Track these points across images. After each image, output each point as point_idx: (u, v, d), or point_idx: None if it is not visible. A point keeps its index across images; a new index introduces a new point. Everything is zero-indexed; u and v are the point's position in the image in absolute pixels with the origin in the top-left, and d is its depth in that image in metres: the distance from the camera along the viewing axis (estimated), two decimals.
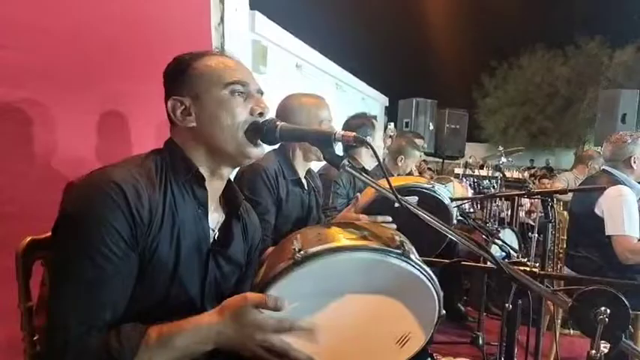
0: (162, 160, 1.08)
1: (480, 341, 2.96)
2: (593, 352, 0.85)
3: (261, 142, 1.11)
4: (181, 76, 1.10)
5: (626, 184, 2.59)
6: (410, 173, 3.75)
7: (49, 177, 1.51)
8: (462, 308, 3.69)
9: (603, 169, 2.79)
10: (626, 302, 0.83)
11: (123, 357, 0.88)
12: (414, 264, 0.95)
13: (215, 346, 0.93)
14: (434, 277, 0.98)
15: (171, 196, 1.04)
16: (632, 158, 2.65)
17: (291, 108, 1.88)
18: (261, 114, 1.10)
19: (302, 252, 0.91)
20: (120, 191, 0.94)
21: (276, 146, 1.91)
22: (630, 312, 0.84)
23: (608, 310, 0.83)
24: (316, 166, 2.14)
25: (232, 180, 1.23)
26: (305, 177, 1.96)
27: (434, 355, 2.84)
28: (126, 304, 0.96)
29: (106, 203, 0.93)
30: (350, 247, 0.94)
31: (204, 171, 1.10)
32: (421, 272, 0.96)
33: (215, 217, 1.15)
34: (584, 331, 0.87)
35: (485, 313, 3.30)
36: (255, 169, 1.78)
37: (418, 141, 3.81)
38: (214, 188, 1.14)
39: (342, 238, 0.98)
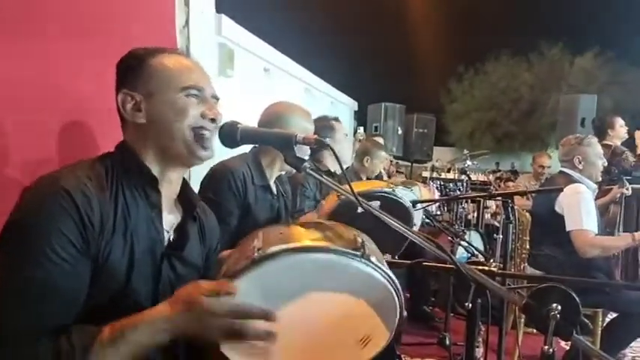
0: (113, 163, 1.06)
1: (447, 341, 3.00)
2: (546, 347, 0.88)
3: (209, 146, 1.10)
4: (135, 71, 1.09)
5: (582, 183, 2.70)
6: (379, 175, 3.80)
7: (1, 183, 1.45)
8: (429, 309, 3.74)
9: (560, 170, 2.90)
10: (576, 298, 0.87)
11: (74, 358, 0.85)
12: (374, 266, 0.95)
13: (171, 337, 0.90)
14: (394, 278, 0.99)
15: (122, 199, 1.03)
16: (576, 159, 2.77)
17: (279, 115, 1.89)
18: (213, 120, 1.10)
19: (260, 251, 0.90)
20: (68, 197, 0.92)
21: (248, 150, 1.92)
22: (580, 308, 0.88)
23: (559, 307, 0.86)
24: None
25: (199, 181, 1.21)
26: (274, 182, 1.96)
27: (402, 356, 2.88)
28: (78, 309, 0.94)
29: (54, 209, 0.91)
30: (309, 247, 0.94)
31: (156, 171, 1.09)
32: (381, 274, 0.96)
33: (170, 219, 1.14)
34: (538, 328, 0.89)
35: (452, 314, 3.35)
36: (223, 171, 1.78)
37: (378, 139, 3.87)
38: (169, 189, 1.13)
39: (303, 238, 0.98)
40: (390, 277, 0.98)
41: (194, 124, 1.08)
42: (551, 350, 0.88)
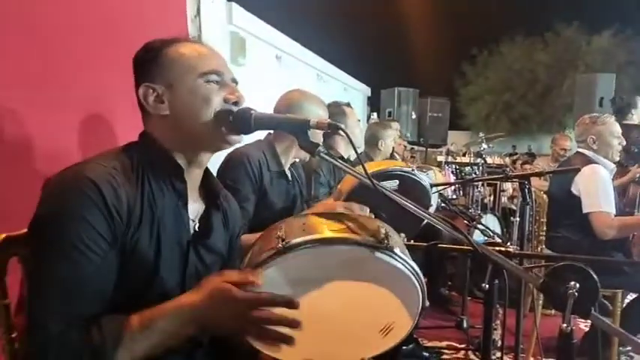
0: (138, 154, 1.06)
1: (465, 324, 3.02)
2: (565, 325, 0.88)
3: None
4: (153, 63, 1.08)
5: (599, 163, 2.66)
6: (392, 155, 3.79)
7: (24, 174, 1.49)
8: (447, 293, 3.74)
9: (577, 151, 2.86)
10: (594, 276, 0.86)
11: (105, 348, 0.87)
12: (397, 258, 0.95)
13: (196, 327, 0.92)
14: (418, 270, 0.99)
15: (149, 190, 1.03)
16: (590, 138, 2.72)
17: (294, 102, 1.91)
18: (235, 103, 1.09)
19: (285, 242, 0.91)
20: (95, 188, 0.92)
21: (263, 137, 1.94)
22: (599, 285, 0.87)
23: (578, 285, 0.86)
24: None
25: (216, 168, 1.21)
26: (289, 168, 1.98)
27: (419, 340, 2.89)
28: (107, 299, 0.95)
29: (82, 201, 0.92)
30: (333, 239, 0.94)
31: (181, 161, 1.09)
32: (405, 266, 0.96)
33: (195, 208, 1.14)
34: (556, 306, 0.89)
35: (469, 297, 3.35)
36: (239, 157, 1.80)
37: (394, 124, 3.86)
38: (193, 178, 1.14)
39: (326, 229, 0.97)
40: (413, 268, 0.98)
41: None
42: (569, 328, 0.87)
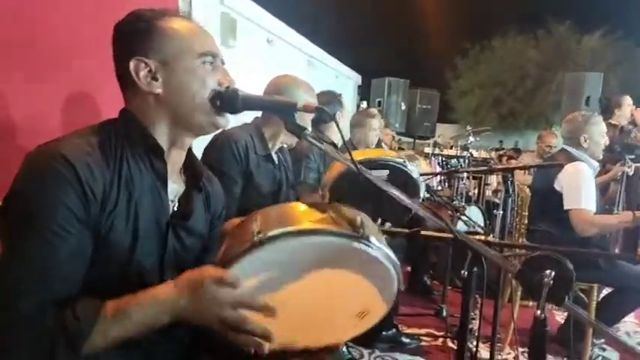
0: (116, 131, 1.03)
1: (444, 313, 3.07)
2: (539, 312, 0.91)
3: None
4: (144, 36, 1.03)
5: (583, 161, 2.70)
6: (379, 145, 3.81)
7: (5, 147, 1.47)
8: (428, 281, 3.79)
9: (562, 148, 2.89)
10: (569, 265, 0.88)
11: (80, 332, 0.86)
12: (373, 246, 0.96)
13: (172, 318, 0.91)
14: (393, 256, 1.00)
15: (126, 169, 1.00)
16: (583, 137, 2.75)
17: (284, 86, 1.91)
18: (227, 87, 1.08)
19: (261, 234, 0.90)
20: (70, 166, 0.90)
21: (250, 120, 1.94)
22: (574, 275, 0.89)
23: (553, 274, 0.88)
24: None
25: (203, 149, 1.19)
26: (276, 153, 1.98)
27: (399, 326, 2.94)
28: (81, 280, 0.94)
29: (56, 179, 0.90)
30: (309, 230, 0.94)
31: (163, 141, 1.07)
32: (380, 253, 0.97)
33: (174, 188, 1.12)
34: (531, 294, 0.91)
35: (450, 287, 3.41)
36: (225, 140, 1.79)
37: (373, 110, 3.90)
38: (174, 159, 1.11)
39: (302, 220, 0.97)
40: (388, 255, 0.99)
41: (212, 94, 1.06)
42: (543, 315, 0.90)
